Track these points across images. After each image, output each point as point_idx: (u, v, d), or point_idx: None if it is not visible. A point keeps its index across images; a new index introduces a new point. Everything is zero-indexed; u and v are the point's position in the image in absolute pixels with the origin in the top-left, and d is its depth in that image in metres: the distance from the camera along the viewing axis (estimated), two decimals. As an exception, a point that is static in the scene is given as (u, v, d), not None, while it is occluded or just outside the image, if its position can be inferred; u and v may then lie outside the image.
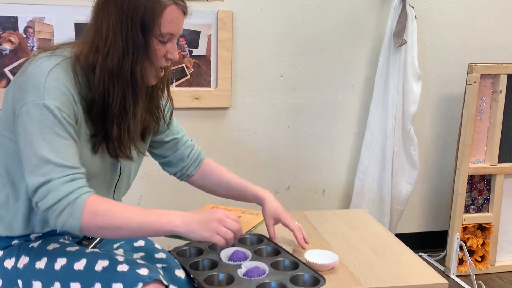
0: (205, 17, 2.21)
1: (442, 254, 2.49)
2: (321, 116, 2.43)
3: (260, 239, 1.47)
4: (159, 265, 1.25)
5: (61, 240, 1.23)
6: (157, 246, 1.35)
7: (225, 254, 1.35)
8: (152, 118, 1.28)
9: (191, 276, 1.26)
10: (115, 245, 1.32)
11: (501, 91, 2.32)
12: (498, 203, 2.42)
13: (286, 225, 1.43)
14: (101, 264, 1.13)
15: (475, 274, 2.32)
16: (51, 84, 1.09)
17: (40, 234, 1.22)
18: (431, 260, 2.54)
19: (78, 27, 2.09)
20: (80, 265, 1.14)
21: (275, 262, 1.33)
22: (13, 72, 2.09)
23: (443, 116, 2.56)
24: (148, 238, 1.36)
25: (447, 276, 2.40)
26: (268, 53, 2.32)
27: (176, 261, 1.30)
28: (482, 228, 2.44)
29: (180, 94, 2.21)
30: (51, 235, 1.23)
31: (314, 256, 1.36)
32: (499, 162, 2.38)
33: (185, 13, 1.17)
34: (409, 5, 2.28)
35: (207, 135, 2.32)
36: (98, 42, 1.11)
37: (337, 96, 2.43)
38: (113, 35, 1.10)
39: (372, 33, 2.39)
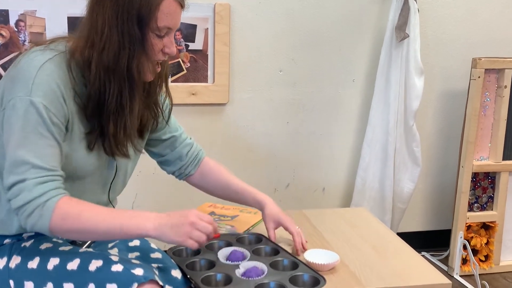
0: (201, 10, 2.20)
1: (445, 253, 2.50)
2: (321, 112, 2.43)
3: (259, 238, 1.47)
4: (154, 265, 1.25)
5: (54, 240, 1.23)
6: (153, 245, 1.35)
7: (222, 254, 1.35)
8: (150, 114, 1.28)
9: (188, 276, 1.26)
10: (110, 245, 1.32)
11: (506, 86, 2.32)
12: (502, 201, 2.42)
13: (286, 228, 1.44)
14: (95, 264, 1.13)
15: (479, 274, 2.32)
16: (41, 80, 1.09)
17: (33, 233, 1.22)
18: (434, 259, 2.54)
19: (71, 20, 2.08)
20: (73, 265, 1.14)
21: (274, 262, 1.33)
22: (4, 66, 2.08)
23: (446, 112, 2.56)
24: (144, 238, 1.36)
25: (450, 276, 2.40)
26: (266, 47, 2.32)
27: (172, 261, 1.30)
28: (486, 227, 2.45)
29: (176, 90, 2.21)
30: (44, 234, 1.22)
31: (314, 255, 1.36)
32: (503, 159, 2.38)
33: (182, 6, 1.16)
34: (412, -2, 2.28)
35: (204, 131, 2.32)
36: (93, 36, 1.11)
37: (338, 91, 2.43)
38: (108, 29, 1.10)
39: (374, 26, 2.39)
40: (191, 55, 2.24)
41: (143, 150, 1.39)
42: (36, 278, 1.14)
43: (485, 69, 2.29)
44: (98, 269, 1.12)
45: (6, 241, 1.21)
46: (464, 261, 2.42)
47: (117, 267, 1.12)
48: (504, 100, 2.33)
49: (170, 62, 2.21)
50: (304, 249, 1.42)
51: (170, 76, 2.22)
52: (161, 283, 1.14)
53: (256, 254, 1.38)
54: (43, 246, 1.20)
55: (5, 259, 1.18)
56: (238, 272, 1.27)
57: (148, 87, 1.24)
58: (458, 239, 2.38)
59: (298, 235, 1.43)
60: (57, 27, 2.06)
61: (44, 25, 2.08)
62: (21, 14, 2.06)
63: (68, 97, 1.13)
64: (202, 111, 2.30)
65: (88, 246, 1.28)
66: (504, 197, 2.42)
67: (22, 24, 2.07)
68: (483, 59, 2.28)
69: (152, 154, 1.45)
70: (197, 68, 2.25)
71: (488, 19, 2.50)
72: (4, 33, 2.06)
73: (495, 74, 2.34)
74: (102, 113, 1.15)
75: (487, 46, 2.50)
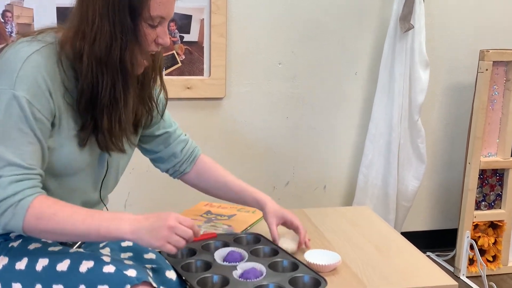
0: (197, 0, 2.20)
1: (451, 253, 2.50)
2: (322, 107, 2.43)
3: (257, 238, 1.47)
4: (148, 266, 1.25)
5: (43, 240, 1.23)
6: (147, 245, 1.35)
7: (219, 255, 1.35)
8: (144, 109, 1.28)
9: (183, 278, 1.26)
10: (101, 244, 1.32)
11: (514, 80, 2.32)
12: (511, 199, 2.43)
13: (291, 222, 1.45)
14: (85, 265, 1.13)
15: (486, 275, 2.33)
16: (26, 73, 1.09)
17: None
18: (439, 260, 2.55)
19: (61, 11, 2.07)
20: (63, 266, 1.13)
21: (273, 263, 1.33)
22: (-9, 59, 2.08)
23: (452, 106, 2.56)
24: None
25: (456, 277, 2.41)
26: (265, 39, 2.31)
27: (167, 261, 1.30)
28: (494, 226, 2.45)
29: (170, 83, 2.19)
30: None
31: (314, 256, 1.36)
32: (512, 155, 2.39)
33: None
34: (417, -13, 2.28)
35: (200, 127, 2.32)
36: (84, 27, 1.11)
37: (339, 85, 2.43)
38: (99, 19, 1.09)
39: (377, 17, 2.39)
40: (186, 47, 2.24)
41: (136, 148, 1.39)
42: (24, 280, 1.14)
43: (493, 62, 2.29)
44: (89, 270, 1.12)
45: (-7, 241, 1.21)
46: (471, 261, 2.42)
47: (109, 268, 1.12)
48: (513, 94, 2.33)
49: (164, 55, 2.20)
50: (308, 247, 1.42)
51: (164, 69, 2.22)
52: (155, 284, 1.14)
53: (254, 254, 1.38)
54: (32, 246, 1.20)
55: (-9, 260, 1.18)
56: (236, 273, 1.27)
57: (142, 80, 1.24)
58: (464, 239, 2.38)
59: (304, 229, 1.43)
60: (45, 18, 2.05)
61: (32, 16, 2.08)
62: (8, 4, 2.06)
63: (55, 91, 1.12)
64: (198, 105, 2.30)
65: (79, 246, 1.27)
66: (512, 195, 2.43)
67: (9, 14, 2.07)
68: (491, 51, 2.28)
69: (145, 151, 1.45)
70: (192, 60, 2.25)
71: (496, 9, 2.49)
72: (-10, 24, 2.06)
73: (503, 66, 2.34)
74: (95, 107, 1.15)
75: (496, 38, 2.50)
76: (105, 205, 1.37)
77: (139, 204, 2.32)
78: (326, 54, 2.38)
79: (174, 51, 2.23)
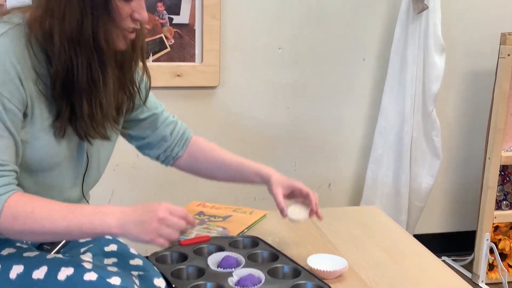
0: (187, -23, 2.19)
1: (469, 258, 2.51)
2: (327, 97, 2.43)
3: (255, 242, 1.47)
4: (134, 273, 1.25)
5: (18, 244, 1.23)
6: (133, 251, 1.35)
7: (213, 260, 1.35)
8: (125, 93, 1.28)
9: (173, 286, 1.26)
10: (83, 249, 1.31)
11: (539, 66, 2.32)
12: (535, 198, 2.44)
13: (299, 190, 1.44)
14: (65, 272, 1.12)
15: (507, 282, 2.34)
16: None
17: (-7, 237, 1.22)
18: (456, 265, 2.56)
19: (36, -10, 2.06)
20: (39, 273, 1.13)
21: (272, 269, 1.33)
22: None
23: (470, 95, 2.56)
24: (123, 242, 1.36)
25: (475, 284, 2.42)
26: (263, 21, 2.31)
27: (155, 268, 1.30)
28: (516, 228, 2.46)
29: (158, 70, 2.20)
30: (5, 238, 1.22)
31: (318, 261, 1.36)
32: (536, 149, 2.39)
33: None
34: (431, -37, 2.28)
35: (190, 119, 2.28)
36: (52, 4, 1.11)
37: (346, 72, 2.42)
38: None
39: (387, -3, 2.39)
40: (175, 30, 2.23)
41: (121, 140, 1.38)
42: (-3, 289, 1.14)
43: (516, 46, 2.29)
44: (68, 278, 1.12)
45: (-38, 246, 1.21)
46: (491, 266, 2.43)
47: (91, 276, 1.12)
48: (538, 82, 2.33)
49: (151, 39, 2.20)
50: (320, 218, 1.42)
51: (151, 55, 2.21)
52: (141, 293, 1.14)
53: (251, 260, 1.38)
54: (5, 251, 1.19)
55: (-39, 267, 1.18)
56: (231, 281, 1.27)
57: (121, 61, 1.23)
58: (484, 242, 2.39)
59: (314, 195, 1.43)
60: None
61: (4, -4, 2.07)
62: (-23, -18, 2.05)
63: (26, 78, 1.12)
64: (189, 95, 2.30)
65: (58, 252, 1.27)
66: (536, 193, 2.43)
67: (-22, -6, 2.05)
68: (513, 34, 2.29)
69: (131, 138, 1.45)
70: (182, 45, 2.24)
71: (519, -12, 2.49)
72: (-43, 5, 2.05)
73: (527, 51, 2.34)
74: (72, 93, 1.15)
75: (518, 20, 2.51)
76: (87, 202, 1.37)
77: (124, 204, 2.27)
78: (331, 37, 2.38)
79: (162, 35, 2.22)
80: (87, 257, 1.29)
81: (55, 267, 1.14)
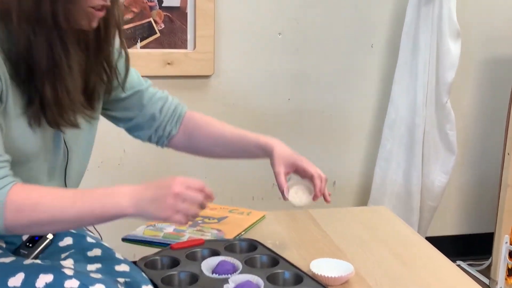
0: (179, -44, 2.19)
1: (487, 262, 2.51)
2: (331, 86, 2.43)
3: (253, 245, 1.47)
4: (120, 280, 1.25)
5: (8, 240, 1.23)
6: (118, 255, 1.34)
7: (208, 266, 1.35)
8: (98, 77, 1.27)
9: (163, 293, 1.25)
10: (63, 255, 1.31)
11: None
12: (558, 197, 2.43)
13: (303, 170, 1.43)
14: (43, 279, 1.12)
15: (528, 288, 2.34)
16: None
17: (-36, 242, 1.22)
18: (472, 270, 2.57)
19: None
20: (16, 280, 1.13)
21: (272, 275, 1.32)
22: None
23: (488, 84, 2.56)
24: (107, 246, 1.36)
25: (492, 291, 2.42)
26: (262, 4, 2.30)
27: (144, 274, 1.30)
28: (538, 229, 2.46)
29: (146, 58, 2.19)
30: (-22, 243, 1.22)
31: (322, 266, 1.36)
32: (560, 144, 2.39)
33: None
34: None
35: (183, 111, 2.31)
36: None
37: (352, 60, 2.42)
38: None
39: (397, -23, 2.39)
40: (165, 13, 2.22)
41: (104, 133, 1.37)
42: (-31, 298, 1.13)
43: (538, 31, 2.29)
44: (47, 285, 1.11)
45: None
46: (510, 272, 2.43)
47: (72, 283, 1.11)
48: (561, 70, 2.33)
49: (138, 23, 2.19)
50: (327, 201, 1.42)
51: (139, 41, 2.21)
52: (128, 302, 1.14)
53: (249, 265, 1.38)
54: (-22, 257, 1.19)
55: None
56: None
57: (88, 42, 1.22)
58: (502, 245, 2.39)
59: (319, 178, 1.42)
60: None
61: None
62: None
63: None
64: (181, 85, 2.29)
65: (36, 257, 1.27)
66: (560, 192, 2.43)
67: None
68: (535, 18, 2.28)
69: (118, 121, 1.45)
70: (173, 30, 2.24)
71: (541, -32, 2.49)
72: None
73: (550, 37, 2.33)
74: (35, 76, 1.14)
75: (540, 2, 2.50)
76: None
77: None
78: (336, 22, 2.37)
79: (151, 19, 2.22)
80: (68, 263, 1.29)
81: (33, 274, 1.13)
